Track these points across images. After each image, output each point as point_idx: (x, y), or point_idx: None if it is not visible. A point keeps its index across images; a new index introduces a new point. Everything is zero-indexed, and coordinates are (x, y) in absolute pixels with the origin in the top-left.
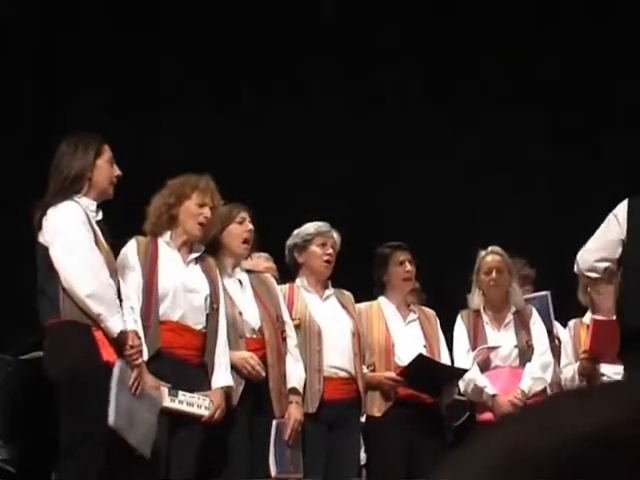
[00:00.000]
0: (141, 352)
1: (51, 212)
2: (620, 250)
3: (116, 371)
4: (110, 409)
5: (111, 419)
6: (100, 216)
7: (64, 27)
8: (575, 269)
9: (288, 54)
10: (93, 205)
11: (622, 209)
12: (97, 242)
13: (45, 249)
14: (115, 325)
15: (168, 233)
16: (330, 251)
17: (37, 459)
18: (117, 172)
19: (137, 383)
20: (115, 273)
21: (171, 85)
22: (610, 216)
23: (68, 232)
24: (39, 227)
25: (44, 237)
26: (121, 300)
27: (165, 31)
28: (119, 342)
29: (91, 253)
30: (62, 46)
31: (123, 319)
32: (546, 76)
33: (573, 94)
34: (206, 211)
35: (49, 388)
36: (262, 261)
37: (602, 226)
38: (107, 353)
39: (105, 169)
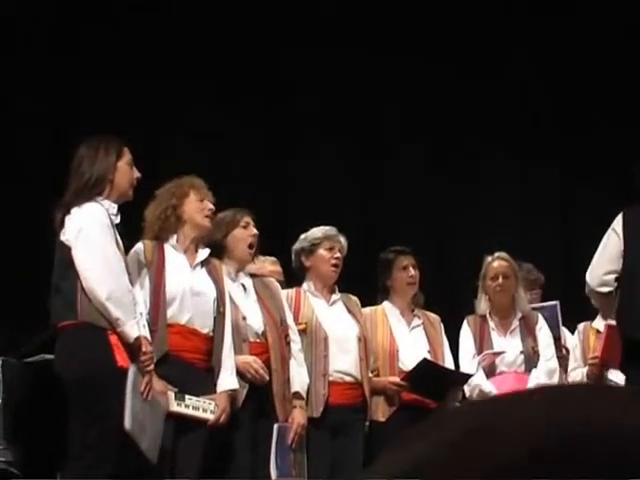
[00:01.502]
0: (152, 358)
1: (75, 211)
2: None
3: (130, 377)
4: (126, 414)
5: (127, 424)
6: (119, 219)
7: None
8: (587, 291)
9: (294, 54)
10: (114, 208)
11: (619, 221)
12: (117, 246)
13: (65, 247)
14: (131, 330)
15: (174, 237)
16: (338, 255)
17: (41, 461)
18: (137, 174)
19: (148, 389)
20: (130, 277)
21: (175, 84)
22: (609, 230)
23: (92, 233)
24: (61, 226)
25: (65, 236)
26: (135, 305)
27: (168, 37)
28: (133, 348)
29: (113, 256)
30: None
31: (138, 325)
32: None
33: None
34: (208, 204)
35: (54, 391)
36: (268, 265)
37: (603, 241)
38: (121, 358)
39: (126, 171)
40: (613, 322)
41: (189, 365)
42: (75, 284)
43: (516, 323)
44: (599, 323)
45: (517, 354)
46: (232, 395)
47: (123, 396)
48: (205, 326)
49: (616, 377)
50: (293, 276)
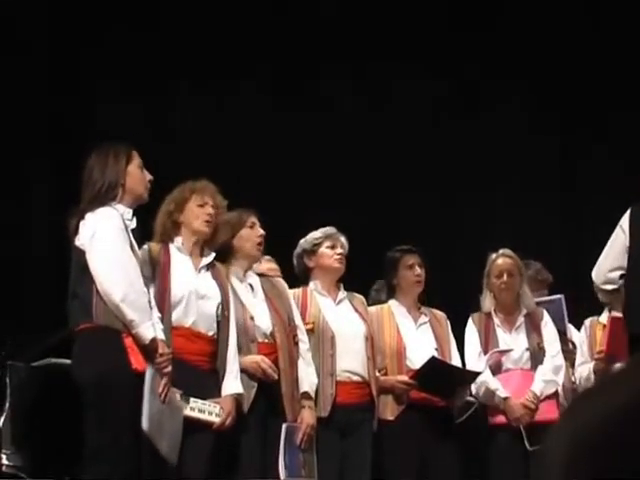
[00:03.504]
0: (170, 360)
1: (89, 216)
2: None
3: (148, 378)
4: (143, 415)
5: (145, 424)
6: (134, 224)
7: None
8: (595, 288)
9: (303, 60)
10: (129, 213)
11: (625, 218)
12: (132, 249)
13: (81, 252)
14: (147, 332)
15: (179, 239)
16: (340, 251)
17: (49, 466)
18: (149, 177)
19: (166, 390)
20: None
21: (182, 87)
22: (617, 227)
23: (106, 237)
24: (76, 231)
25: (80, 240)
26: (151, 308)
27: (166, 32)
28: (149, 349)
29: (128, 260)
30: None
31: (154, 327)
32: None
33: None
34: (208, 209)
35: (61, 394)
36: (264, 262)
37: (611, 238)
38: (136, 361)
39: (137, 175)
40: (616, 314)
41: (193, 367)
42: (91, 288)
43: (521, 320)
44: (606, 318)
45: (523, 351)
46: (237, 399)
47: (139, 398)
48: (210, 329)
49: None
50: (295, 279)
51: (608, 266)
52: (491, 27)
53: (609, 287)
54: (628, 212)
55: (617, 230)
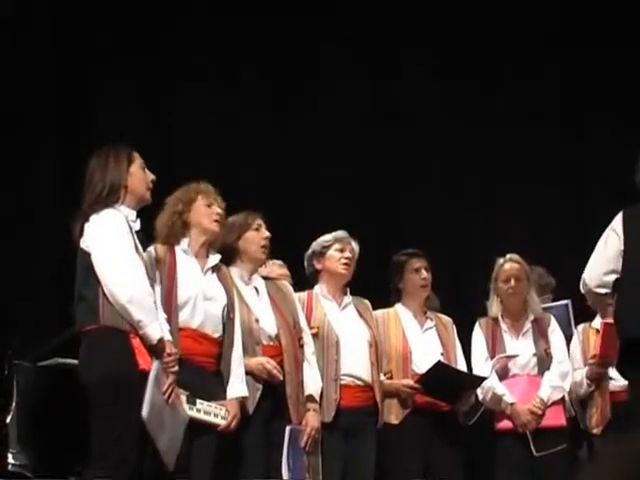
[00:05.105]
0: (177, 361)
1: (94, 218)
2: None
3: (153, 370)
4: (145, 403)
5: (145, 413)
6: (139, 226)
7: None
8: (582, 289)
9: (298, 62)
10: (133, 215)
11: (618, 221)
12: (137, 251)
13: (86, 254)
14: (154, 332)
15: (185, 241)
16: (348, 255)
17: (54, 465)
18: (151, 177)
19: (171, 390)
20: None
21: (184, 87)
22: (608, 230)
23: (111, 238)
24: (80, 233)
25: (85, 242)
26: (157, 309)
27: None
28: (156, 349)
29: (133, 260)
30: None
31: (161, 327)
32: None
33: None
34: (216, 209)
35: (68, 394)
36: (276, 268)
37: (601, 241)
38: (143, 361)
39: (140, 175)
40: (609, 320)
41: (199, 368)
42: (97, 289)
43: (528, 325)
44: (599, 323)
45: (530, 357)
46: (242, 402)
47: (146, 389)
48: (215, 331)
49: (617, 375)
50: (304, 281)
51: (603, 269)
52: (491, 27)
53: (602, 291)
54: (620, 216)
55: (609, 233)
